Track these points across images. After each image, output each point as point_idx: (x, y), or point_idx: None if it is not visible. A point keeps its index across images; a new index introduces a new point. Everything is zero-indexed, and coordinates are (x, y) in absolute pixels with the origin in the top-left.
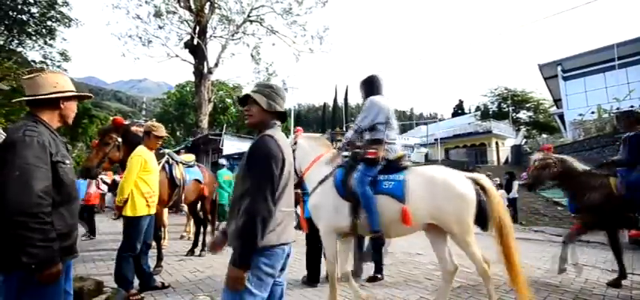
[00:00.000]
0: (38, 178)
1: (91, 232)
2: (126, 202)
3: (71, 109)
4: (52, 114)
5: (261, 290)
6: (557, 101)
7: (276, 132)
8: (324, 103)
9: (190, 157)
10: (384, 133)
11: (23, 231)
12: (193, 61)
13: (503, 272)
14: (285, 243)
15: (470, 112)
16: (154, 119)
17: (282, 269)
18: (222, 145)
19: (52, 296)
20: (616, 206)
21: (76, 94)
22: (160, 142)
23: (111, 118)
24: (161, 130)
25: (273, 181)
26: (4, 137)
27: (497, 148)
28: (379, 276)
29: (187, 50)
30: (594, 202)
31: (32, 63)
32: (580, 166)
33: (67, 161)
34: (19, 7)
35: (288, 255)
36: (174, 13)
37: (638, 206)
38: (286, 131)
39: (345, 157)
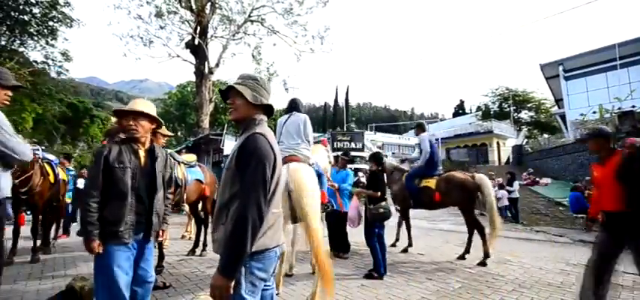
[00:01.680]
0: (91, 176)
1: None
2: None
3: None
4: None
5: (254, 296)
6: (559, 101)
7: (265, 129)
8: (325, 103)
9: (192, 157)
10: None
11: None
12: (194, 61)
13: (504, 272)
14: (277, 245)
15: (471, 112)
16: None
17: (273, 272)
18: (222, 145)
19: (103, 265)
20: (403, 194)
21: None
22: (165, 141)
23: (113, 119)
24: (164, 130)
25: (265, 184)
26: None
27: (498, 148)
28: (375, 274)
29: (188, 50)
30: (393, 191)
31: (34, 63)
32: (392, 164)
33: (123, 166)
34: (21, 7)
35: (278, 257)
36: (175, 13)
37: (411, 195)
38: None
39: None
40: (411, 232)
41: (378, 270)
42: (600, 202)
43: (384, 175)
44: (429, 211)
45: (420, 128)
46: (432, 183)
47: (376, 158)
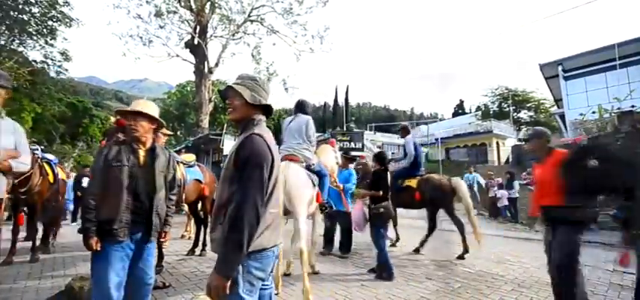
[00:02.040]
0: (93, 175)
1: None
2: None
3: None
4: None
5: (252, 295)
6: (558, 101)
7: (264, 130)
8: (325, 103)
9: (191, 157)
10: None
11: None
12: (194, 61)
13: (504, 271)
14: (275, 245)
15: (470, 112)
16: None
17: (270, 271)
18: (222, 145)
19: (96, 263)
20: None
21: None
22: (164, 140)
23: (112, 118)
24: (164, 129)
25: (262, 185)
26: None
27: (497, 148)
28: (384, 274)
29: (188, 50)
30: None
31: (33, 63)
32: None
33: (120, 164)
34: (20, 6)
35: (276, 256)
36: (174, 12)
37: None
38: None
39: None
40: (396, 229)
41: (386, 270)
42: (539, 199)
43: (388, 174)
44: (419, 210)
45: (404, 131)
46: (413, 183)
47: (379, 158)
